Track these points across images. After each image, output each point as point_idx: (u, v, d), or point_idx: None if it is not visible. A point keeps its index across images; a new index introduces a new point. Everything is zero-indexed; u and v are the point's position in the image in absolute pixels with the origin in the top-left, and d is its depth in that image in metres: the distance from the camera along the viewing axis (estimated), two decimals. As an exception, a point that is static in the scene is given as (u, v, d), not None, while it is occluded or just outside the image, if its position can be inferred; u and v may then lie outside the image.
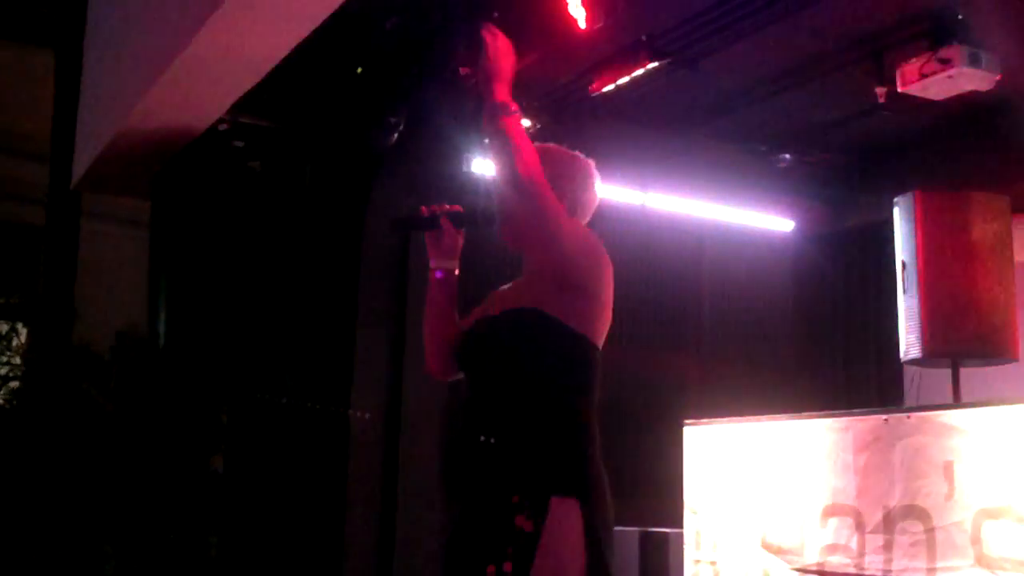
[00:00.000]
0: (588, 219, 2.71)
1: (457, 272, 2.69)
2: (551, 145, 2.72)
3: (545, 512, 2.28)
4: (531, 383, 2.43)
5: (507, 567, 2.25)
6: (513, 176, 2.42)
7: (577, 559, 2.28)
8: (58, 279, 6.36)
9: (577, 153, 2.73)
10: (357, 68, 5.63)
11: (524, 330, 2.46)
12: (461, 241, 2.69)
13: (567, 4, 5.08)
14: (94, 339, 6.20)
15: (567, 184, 2.64)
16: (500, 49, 2.50)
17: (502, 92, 2.47)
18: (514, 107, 2.46)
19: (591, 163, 2.74)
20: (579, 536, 2.29)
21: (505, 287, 2.66)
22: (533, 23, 5.44)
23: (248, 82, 5.12)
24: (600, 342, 2.54)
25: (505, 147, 2.43)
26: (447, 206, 2.66)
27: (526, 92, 6.34)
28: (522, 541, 2.26)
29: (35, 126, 6.86)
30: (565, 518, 2.29)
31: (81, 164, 6.51)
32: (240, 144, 5.93)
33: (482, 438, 2.40)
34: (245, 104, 5.40)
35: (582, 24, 5.15)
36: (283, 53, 4.80)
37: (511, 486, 2.33)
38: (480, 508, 2.39)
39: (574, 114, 6.68)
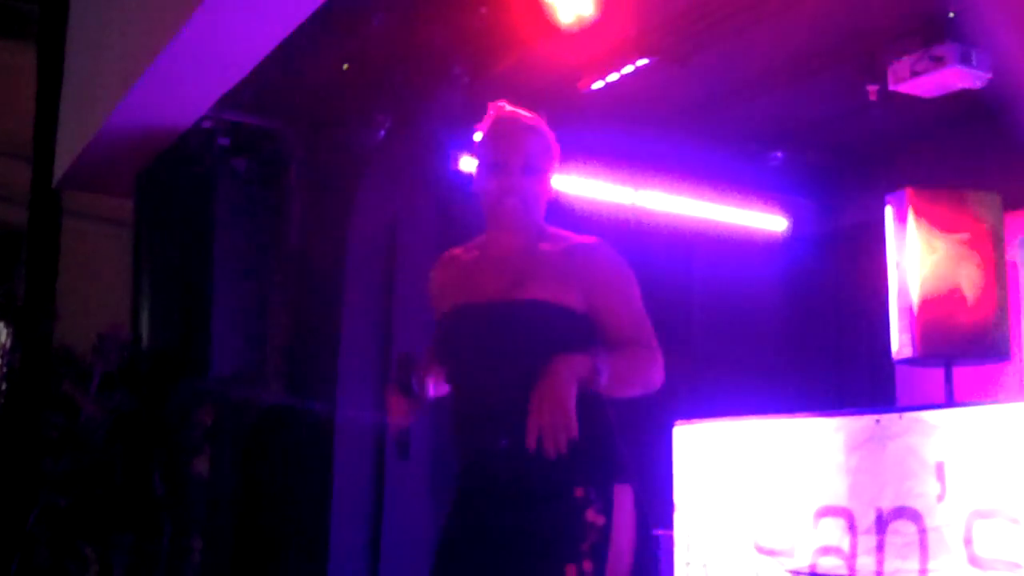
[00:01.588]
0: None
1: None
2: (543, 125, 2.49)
3: (612, 502, 2.23)
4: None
5: (587, 566, 2.18)
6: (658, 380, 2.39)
7: (631, 541, 2.28)
8: (39, 279, 6.34)
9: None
10: (343, 65, 5.61)
11: (554, 322, 2.32)
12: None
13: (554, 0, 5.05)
14: (75, 339, 6.16)
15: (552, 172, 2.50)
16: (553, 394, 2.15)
17: (579, 365, 2.20)
18: (601, 357, 2.23)
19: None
20: (633, 519, 2.30)
21: (511, 259, 2.44)
22: (523, 19, 5.42)
23: (232, 79, 5.10)
24: None
25: (641, 385, 2.35)
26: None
27: (514, 90, 6.31)
28: (596, 536, 2.21)
29: (16, 124, 6.81)
30: (625, 505, 2.27)
31: (63, 162, 6.49)
32: (225, 142, 5.90)
33: (504, 443, 2.27)
34: (229, 101, 5.36)
35: (572, 21, 5.13)
36: (268, 49, 4.78)
37: (572, 480, 2.23)
38: (537, 507, 2.24)
39: (563, 112, 6.64)
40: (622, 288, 2.39)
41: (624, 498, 2.26)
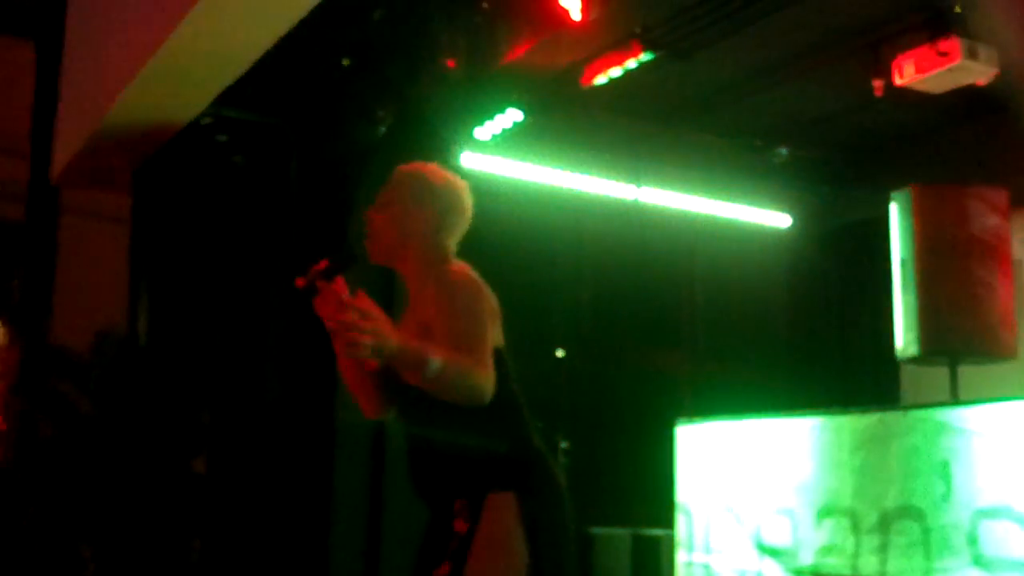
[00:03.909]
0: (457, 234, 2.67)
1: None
2: (427, 173, 2.65)
3: (480, 510, 2.37)
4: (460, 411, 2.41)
5: (445, 568, 2.37)
6: (482, 393, 2.36)
7: (515, 553, 2.34)
8: (36, 276, 6.32)
9: (452, 178, 2.67)
10: (343, 60, 5.60)
11: None
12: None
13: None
14: (72, 338, 6.14)
15: (456, 219, 2.63)
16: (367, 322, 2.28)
17: (409, 350, 2.31)
18: (434, 355, 2.30)
19: (466, 185, 2.69)
20: (516, 528, 2.35)
21: (411, 312, 2.62)
22: (525, 14, 5.40)
23: (231, 75, 5.07)
24: (501, 343, 2.54)
25: (460, 393, 2.35)
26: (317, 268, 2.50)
27: (518, 84, 6.30)
28: (457, 542, 2.37)
29: (14, 120, 6.79)
30: (500, 511, 2.37)
31: (61, 159, 6.46)
32: (224, 138, 5.89)
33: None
34: (229, 97, 5.34)
35: (575, 15, 5.11)
36: (267, 45, 4.76)
37: (453, 491, 2.43)
38: (431, 519, 2.50)
39: (566, 107, 6.63)
40: (450, 302, 2.47)
41: (499, 504, 2.37)
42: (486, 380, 2.35)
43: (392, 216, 2.60)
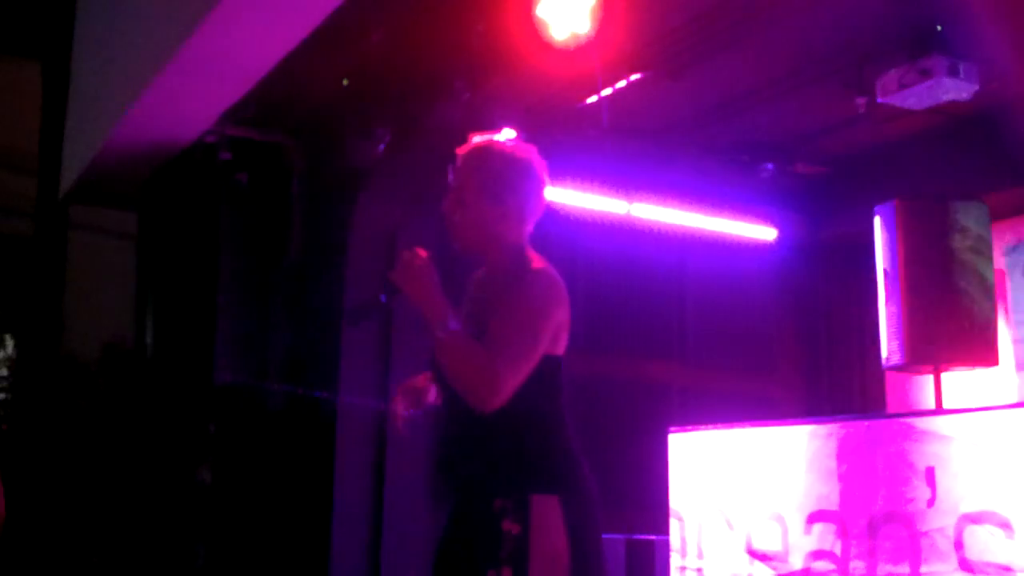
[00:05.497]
0: (535, 220, 2.59)
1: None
2: (496, 146, 2.55)
3: (528, 512, 2.32)
4: (512, 410, 2.39)
5: (505, 572, 2.30)
6: (484, 397, 2.32)
7: (563, 555, 2.32)
8: (46, 290, 6.32)
9: (520, 155, 2.55)
10: (344, 80, 5.64)
11: None
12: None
13: (548, 17, 5.11)
14: (81, 350, 6.17)
15: (510, 196, 2.52)
16: (409, 274, 2.36)
17: (437, 310, 2.32)
18: (453, 324, 2.31)
19: (539, 164, 2.57)
20: (562, 533, 2.33)
21: (477, 295, 2.59)
22: (516, 36, 5.48)
23: (235, 94, 5.13)
24: (561, 351, 2.50)
25: (461, 374, 2.32)
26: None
27: (510, 104, 6.37)
28: (512, 544, 2.31)
29: (23, 139, 6.83)
30: (547, 514, 2.33)
31: (69, 176, 6.49)
32: (228, 156, 5.93)
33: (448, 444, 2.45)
34: (232, 116, 5.40)
35: (565, 37, 5.18)
36: (270, 65, 4.81)
37: (493, 492, 2.37)
38: (466, 514, 2.43)
39: (560, 126, 6.71)
40: (517, 303, 2.40)
41: (546, 507, 2.34)
42: (497, 379, 2.27)
43: (478, 208, 2.49)
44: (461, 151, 2.56)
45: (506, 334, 2.33)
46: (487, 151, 2.53)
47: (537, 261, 2.51)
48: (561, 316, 2.43)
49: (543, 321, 2.38)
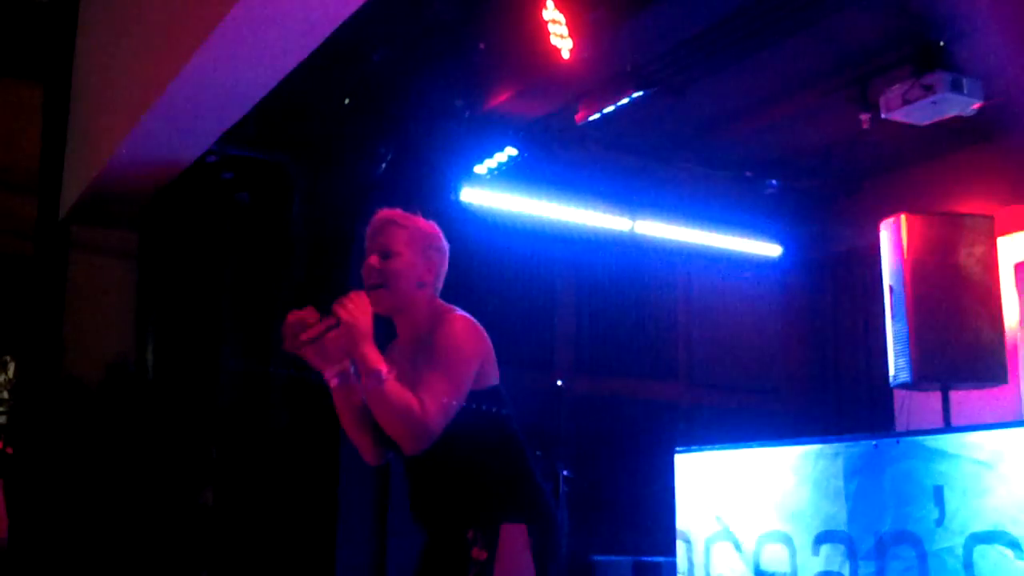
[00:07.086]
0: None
1: (351, 367, 2.59)
2: (419, 221, 2.68)
3: (495, 540, 2.50)
4: (467, 447, 2.55)
5: None
6: (418, 436, 2.42)
7: (525, 572, 2.50)
8: (47, 311, 6.33)
9: (440, 239, 2.70)
10: (345, 99, 5.66)
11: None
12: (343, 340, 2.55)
13: (551, 35, 5.12)
14: (83, 371, 6.16)
15: (434, 278, 2.66)
16: (356, 311, 2.43)
17: (371, 355, 2.40)
18: (386, 371, 2.40)
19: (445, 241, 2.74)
20: (528, 557, 2.51)
21: (403, 349, 2.66)
22: (518, 54, 5.49)
23: (236, 114, 5.13)
24: (496, 380, 2.62)
25: (395, 418, 2.41)
26: (313, 325, 2.49)
27: (513, 122, 6.39)
28: (478, 569, 2.50)
29: (24, 159, 6.84)
30: (514, 541, 2.51)
31: (70, 197, 6.50)
32: (229, 176, 5.94)
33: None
34: (233, 136, 5.40)
35: (566, 55, 5.19)
36: (271, 85, 4.81)
37: (466, 524, 2.54)
38: (439, 544, 2.62)
39: (563, 143, 6.72)
40: (439, 348, 2.52)
41: (514, 535, 2.51)
42: (427, 421, 2.39)
43: (405, 264, 2.60)
44: (385, 222, 2.65)
45: (433, 378, 2.46)
46: (415, 233, 2.65)
47: (447, 307, 2.63)
48: (483, 351, 2.56)
49: (466, 361, 2.52)
